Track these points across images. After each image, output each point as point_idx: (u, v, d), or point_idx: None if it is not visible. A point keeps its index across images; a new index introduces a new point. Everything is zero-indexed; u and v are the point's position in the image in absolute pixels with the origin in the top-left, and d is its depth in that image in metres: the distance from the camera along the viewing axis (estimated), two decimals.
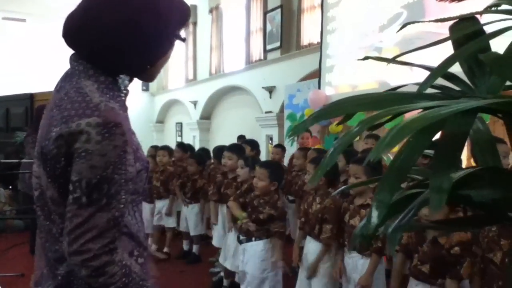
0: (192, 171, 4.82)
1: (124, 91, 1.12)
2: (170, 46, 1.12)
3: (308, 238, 3.03)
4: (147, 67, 1.11)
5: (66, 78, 1.06)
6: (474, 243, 2.27)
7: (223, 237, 4.10)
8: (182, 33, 1.14)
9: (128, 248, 1.07)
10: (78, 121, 0.94)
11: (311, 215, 2.96)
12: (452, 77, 0.82)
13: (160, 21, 1.04)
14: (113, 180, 0.96)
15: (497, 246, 2.11)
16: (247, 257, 3.11)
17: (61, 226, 1.00)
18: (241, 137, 7.16)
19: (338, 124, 5.47)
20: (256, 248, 3.05)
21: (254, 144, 5.18)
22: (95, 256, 0.94)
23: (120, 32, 1.00)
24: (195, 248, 4.99)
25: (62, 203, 1.00)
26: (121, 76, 1.09)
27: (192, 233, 4.93)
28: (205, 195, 4.78)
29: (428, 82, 0.72)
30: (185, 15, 1.12)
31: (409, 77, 0.95)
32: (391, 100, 0.70)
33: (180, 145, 5.83)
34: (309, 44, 7.93)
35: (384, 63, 0.92)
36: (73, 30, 1.04)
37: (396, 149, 0.62)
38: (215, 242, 4.31)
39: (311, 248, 2.96)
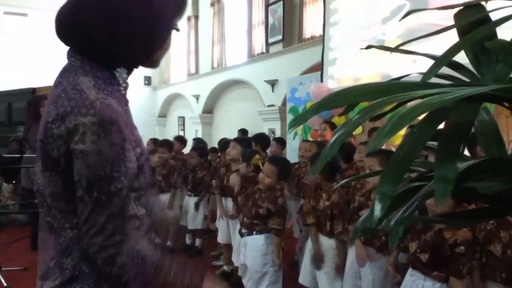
0: (194, 164, 4.83)
1: (124, 85, 1.11)
2: (166, 37, 1.09)
3: (319, 235, 3.02)
4: (144, 59, 1.09)
5: (64, 73, 1.05)
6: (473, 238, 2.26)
7: (226, 232, 4.09)
8: (179, 23, 1.11)
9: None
10: (74, 121, 0.94)
11: (320, 212, 2.94)
12: (458, 66, 0.79)
13: (153, 11, 1.01)
14: (112, 178, 0.96)
15: (496, 238, 2.10)
16: (247, 250, 3.09)
17: (62, 221, 1.03)
18: (243, 132, 7.15)
19: (340, 115, 5.42)
20: (257, 241, 3.04)
21: (263, 140, 5.01)
22: (102, 248, 0.97)
23: (112, 24, 0.98)
24: (197, 242, 5.00)
25: (63, 198, 1.01)
26: (118, 69, 1.08)
27: (190, 227, 4.92)
28: (206, 187, 4.81)
29: (432, 71, 0.69)
30: (181, 5, 1.08)
31: (413, 70, 0.93)
32: (394, 89, 0.68)
33: (178, 138, 6.14)
34: (311, 37, 7.88)
35: (387, 57, 0.90)
36: (64, 25, 1.02)
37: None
38: (220, 239, 4.27)
39: (324, 244, 2.96)
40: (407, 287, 2.30)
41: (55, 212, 1.05)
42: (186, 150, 6.06)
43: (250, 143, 4.38)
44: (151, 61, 1.12)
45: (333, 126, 5.03)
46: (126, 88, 1.12)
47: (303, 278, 3.10)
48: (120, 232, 1.00)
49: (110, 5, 0.97)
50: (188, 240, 5.11)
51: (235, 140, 4.18)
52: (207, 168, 4.99)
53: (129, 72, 1.12)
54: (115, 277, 1.00)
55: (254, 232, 3.05)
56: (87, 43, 1.01)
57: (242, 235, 3.16)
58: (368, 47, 0.94)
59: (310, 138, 6.48)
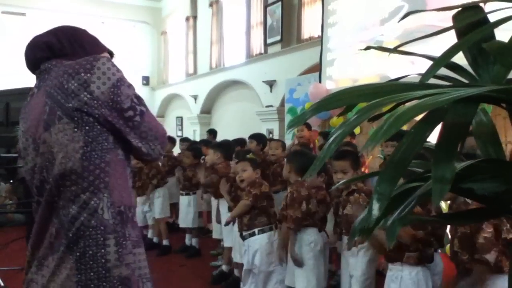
0: (188, 164, 4.85)
1: None
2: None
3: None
4: None
5: (44, 78, 1.24)
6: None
7: (230, 234, 4.06)
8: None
9: (129, 201, 1.23)
10: (93, 67, 1.17)
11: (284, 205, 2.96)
12: (456, 67, 0.80)
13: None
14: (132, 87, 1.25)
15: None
16: (252, 252, 3.05)
17: (74, 189, 1.14)
18: (211, 132, 7.27)
19: (338, 116, 5.44)
20: (261, 241, 3.02)
21: (260, 138, 5.10)
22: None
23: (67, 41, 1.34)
24: (194, 242, 4.99)
25: (80, 158, 1.13)
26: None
27: (181, 225, 4.95)
28: (197, 185, 4.84)
29: (430, 72, 0.70)
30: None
31: (411, 71, 0.93)
32: (392, 90, 0.68)
33: (167, 138, 6.14)
34: (310, 38, 7.89)
35: (385, 57, 0.90)
36: (37, 52, 1.33)
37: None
38: (225, 242, 4.16)
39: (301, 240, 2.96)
40: (388, 282, 2.38)
41: (65, 188, 1.14)
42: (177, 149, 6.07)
43: (228, 145, 4.48)
44: None
45: (308, 126, 5.26)
46: None
47: (288, 280, 3.08)
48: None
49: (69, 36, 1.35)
50: (187, 241, 5.10)
51: (211, 146, 4.44)
52: (199, 168, 5.01)
53: None
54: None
55: (256, 231, 3.04)
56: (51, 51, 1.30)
57: (244, 238, 3.13)
58: (367, 48, 0.95)
59: None
